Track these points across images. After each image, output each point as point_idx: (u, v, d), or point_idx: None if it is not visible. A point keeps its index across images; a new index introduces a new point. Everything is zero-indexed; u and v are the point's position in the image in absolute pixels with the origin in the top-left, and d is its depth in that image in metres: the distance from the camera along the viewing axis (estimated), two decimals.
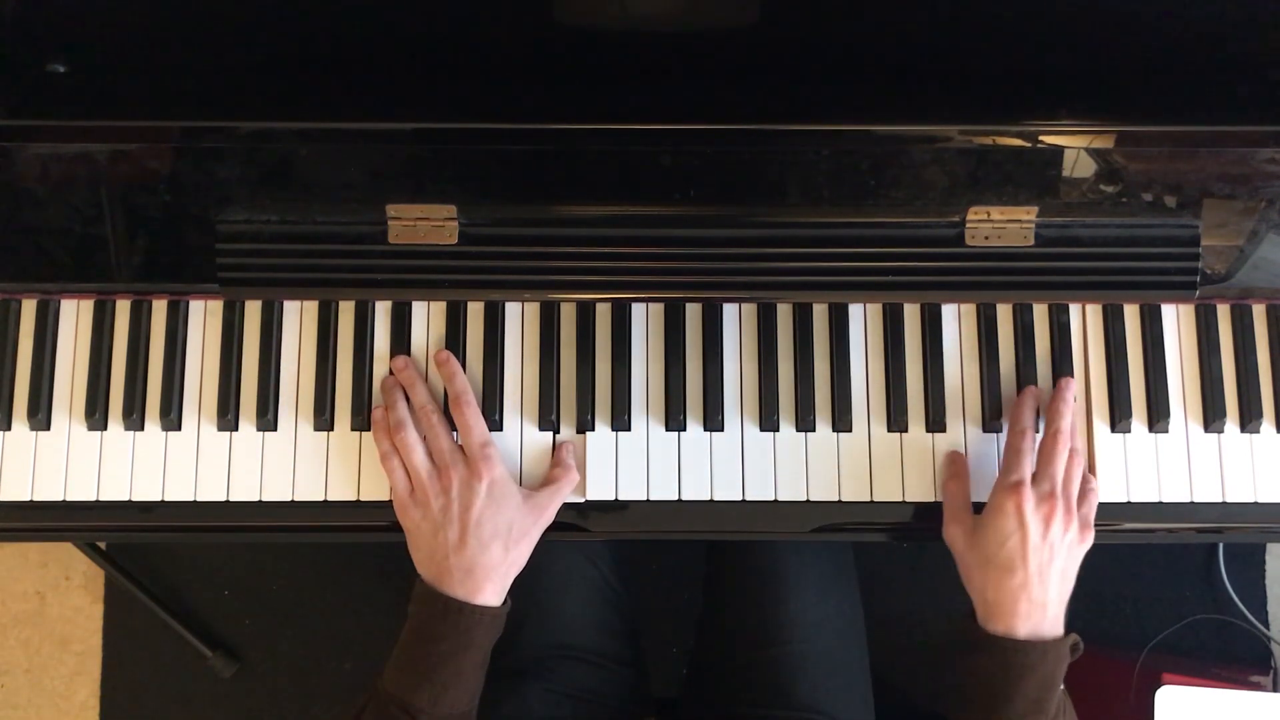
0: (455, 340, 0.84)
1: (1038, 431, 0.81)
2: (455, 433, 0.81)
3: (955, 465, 0.82)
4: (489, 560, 0.76)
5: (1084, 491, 0.79)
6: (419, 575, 0.78)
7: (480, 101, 0.80)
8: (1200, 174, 0.79)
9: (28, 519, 0.83)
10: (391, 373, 0.83)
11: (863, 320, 0.85)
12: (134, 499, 0.83)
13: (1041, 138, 0.79)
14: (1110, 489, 0.83)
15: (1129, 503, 0.83)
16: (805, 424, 0.83)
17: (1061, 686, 0.75)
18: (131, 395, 0.84)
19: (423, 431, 0.80)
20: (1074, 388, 0.83)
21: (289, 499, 0.83)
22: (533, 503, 0.79)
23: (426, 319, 0.85)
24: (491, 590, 0.76)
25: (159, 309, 0.85)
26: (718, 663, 0.96)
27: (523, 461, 0.84)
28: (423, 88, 0.81)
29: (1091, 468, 0.84)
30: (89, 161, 0.79)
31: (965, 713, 0.75)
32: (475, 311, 0.85)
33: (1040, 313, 0.85)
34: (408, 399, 0.82)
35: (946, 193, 0.79)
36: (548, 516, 0.80)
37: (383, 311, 0.85)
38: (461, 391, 0.81)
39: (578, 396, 0.84)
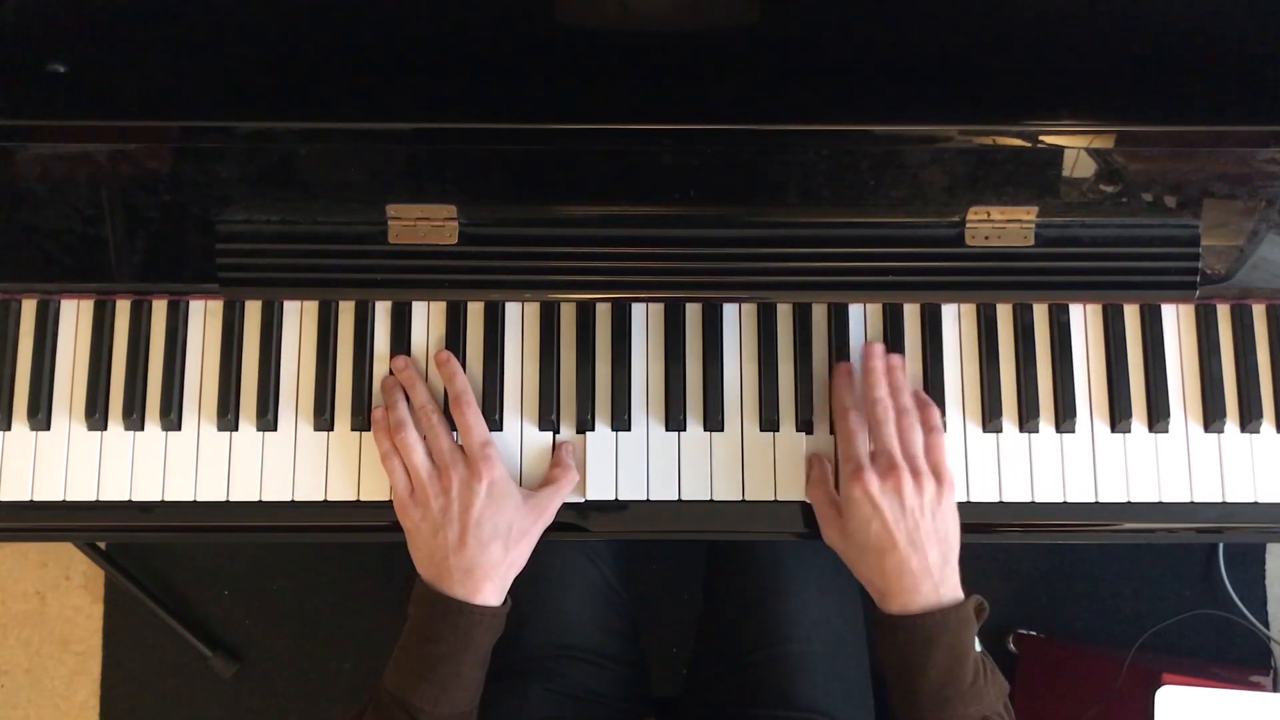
0: (455, 340, 0.84)
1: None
2: (456, 433, 0.81)
3: (814, 470, 0.82)
4: (489, 560, 0.76)
5: (929, 440, 0.78)
6: (419, 575, 0.78)
7: (480, 101, 0.80)
8: (1200, 174, 0.79)
9: (28, 519, 0.83)
10: (392, 373, 0.83)
11: (863, 320, 0.85)
12: (134, 499, 0.83)
13: (1041, 138, 0.79)
14: (1110, 489, 0.83)
15: (1129, 503, 0.83)
16: (805, 424, 0.83)
17: (979, 649, 0.75)
18: (131, 395, 0.84)
19: (423, 431, 0.80)
20: (881, 351, 0.80)
21: (289, 499, 0.83)
22: (532, 503, 0.79)
23: (426, 319, 0.85)
24: (491, 590, 0.76)
25: (159, 309, 0.85)
26: (718, 663, 0.96)
27: (523, 461, 0.84)
28: (423, 88, 0.81)
29: (1093, 468, 0.84)
30: (89, 161, 0.79)
31: (893, 697, 0.75)
32: (475, 311, 0.85)
33: (1040, 313, 0.85)
34: (408, 399, 0.82)
35: (946, 193, 0.79)
36: (548, 516, 0.80)
37: (383, 311, 0.85)
38: (461, 391, 0.81)
39: (578, 396, 0.84)
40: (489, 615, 0.76)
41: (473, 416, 0.80)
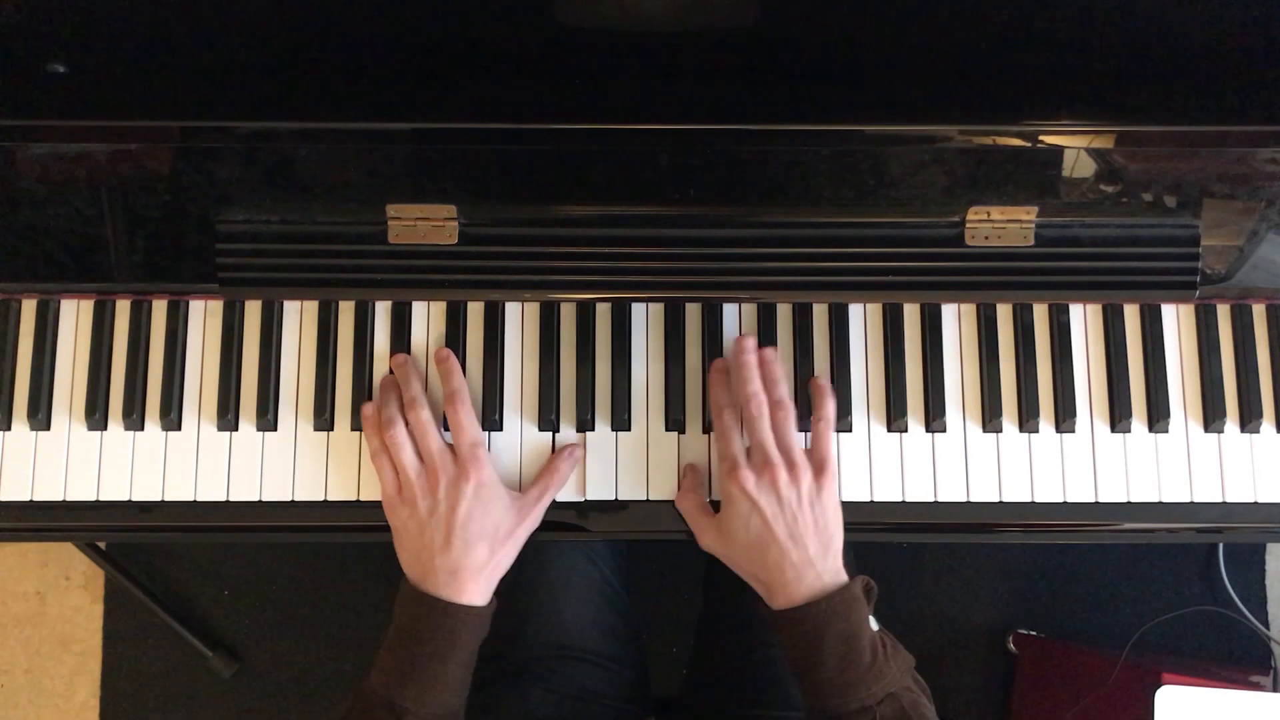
0: (455, 340, 0.84)
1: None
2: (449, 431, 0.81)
3: (687, 478, 0.82)
4: (474, 561, 0.76)
5: (816, 430, 0.79)
6: (404, 576, 0.78)
7: (480, 101, 0.80)
8: (1200, 174, 0.79)
9: (28, 519, 0.83)
10: (391, 371, 0.83)
11: (863, 320, 0.85)
12: (134, 499, 0.83)
13: (1041, 138, 0.79)
14: (1110, 489, 0.83)
15: (1129, 503, 0.83)
16: (805, 424, 0.83)
17: (876, 628, 0.74)
18: (131, 395, 0.84)
19: (412, 430, 0.80)
20: (751, 345, 0.79)
21: (289, 499, 0.83)
22: (520, 504, 0.79)
23: (426, 319, 0.85)
24: (476, 590, 0.76)
25: (159, 309, 0.85)
26: (718, 663, 0.96)
27: (523, 461, 0.84)
28: (423, 87, 0.81)
29: (1093, 468, 0.84)
30: (89, 161, 0.79)
31: (800, 690, 0.75)
32: (475, 311, 0.85)
33: (1040, 313, 0.85)
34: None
35: (946, 193, 0.79)
36: (534, 518, 0.80)
37: (383, 311, 0.85)
38: (457, 390, 0.81)
39: (578, 396, 0.84)
40: (474, 615, 0.75)
41: (465, 416, 0.79)
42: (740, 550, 0.76)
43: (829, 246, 0.80)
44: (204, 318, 0.85)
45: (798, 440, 0.77)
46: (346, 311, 0.85)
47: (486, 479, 0.78)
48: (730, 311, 0.85)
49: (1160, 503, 0.83)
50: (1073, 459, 0.84)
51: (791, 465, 0.76)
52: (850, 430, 0.84)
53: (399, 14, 0.79)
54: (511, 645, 0.91)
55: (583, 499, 0.83)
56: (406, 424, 0.79)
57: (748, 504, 0.75)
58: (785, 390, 0.79)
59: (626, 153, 0.79)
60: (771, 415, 0.77)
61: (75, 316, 0.85)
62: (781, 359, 0.84)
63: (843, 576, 0.75)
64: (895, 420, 0.84)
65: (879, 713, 0.71)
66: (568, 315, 0.85)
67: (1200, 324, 0.85)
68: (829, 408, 0.80)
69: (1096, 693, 1.26)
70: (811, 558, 0.74)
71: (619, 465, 0.83)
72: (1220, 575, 1.47)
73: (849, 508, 0.83)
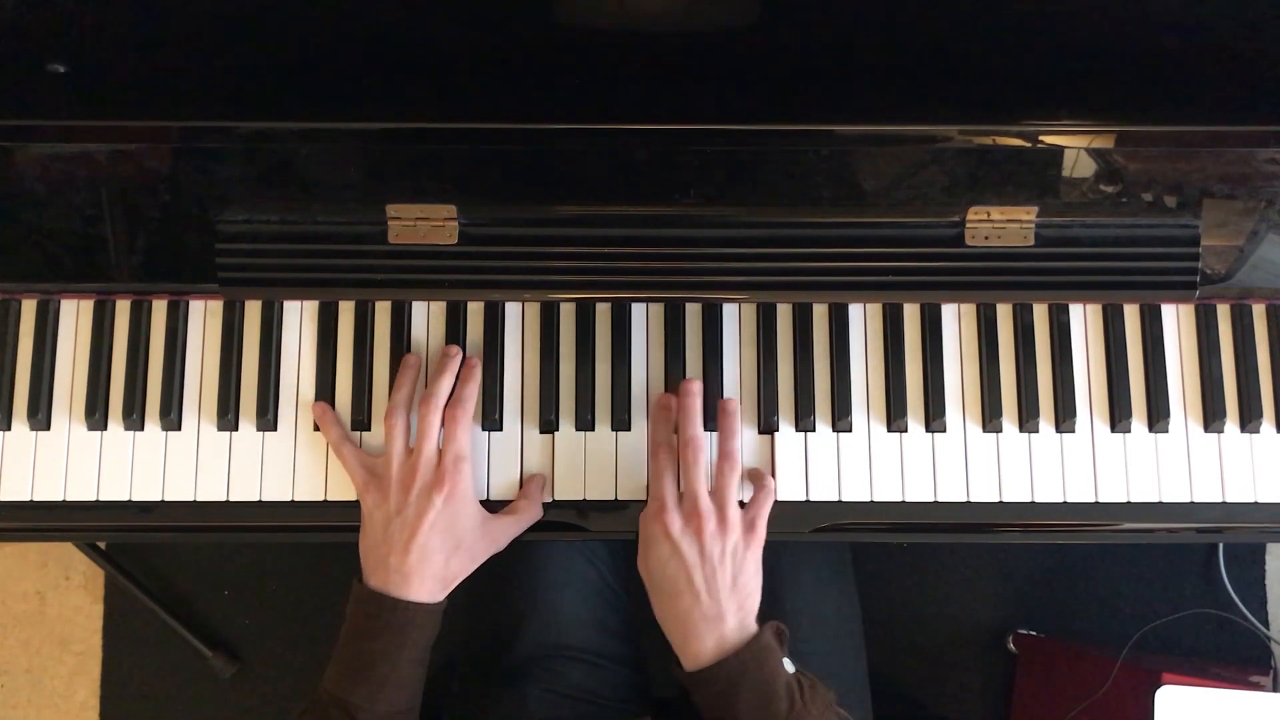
0: (455, 340, 0.84)
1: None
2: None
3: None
4: (428, 569, 0.76)
5: (757, 494, 0.78)
6: (356, 578, 0.78)
7: (480, 101, 0.80)
8: (1200, 174, 0.79)
9: (28, 519, 0.83)
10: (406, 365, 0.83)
11: (863, 320, 0.85)
12: (134, 499, 0.83)
13: (1041, 138, 0.79)
14: (1110, 489, 0.83)
15: (1129, 503, 0.83)
16: (805, 424, 0.83)
17: (791, 671, 0.73)
18: (131, 395, 0.84)
19: (420, 423, 0.79)
20: (697, 389, 0.79)
21: (289, 499, 0.83)
22: (488, 527, 0.79)
23: (426, 319, 0.85)
24: (425, 591, 0.76)
25: (159, 309, 0.85)
26: None
27: (523, 462, 0.84)
28: (423, 87, 0.81)
29: (1093, 468, 0.84)
30: (89, 161, 0.79)
31: None
32: (475, 311, 0.85)
33: (1040, 313, 0.85)
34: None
35: (946, 193, 0.79)
36: (499, 544, 0.80)
37: (383, 311, 0.85)
38: (464, 399, 0.80)
39: (577, 396, 0.84)
40: (423, 612, 0.75)
41: (461, 428, 0.79)
42: (655, 590, 0.76)
43: (829, 246, 0.80)
44: (204, 318, 0.85)
45: (735, 497, 0.76)
46: (346, 311, 0.85)
47: (460, 494, 0.77)
48: (730, 311, 0.85)
49: (1160, 503, 0.83)
50: (1073, 459, 0.84)
51: (723, 519, 0.75)
52: (850, 430, 0.84)
53: (399, 14, 0.79)
54: (509, 645, 0.91)
55: (582, 499, 0.83)
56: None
57: (669, 547, 0.74)
58: (738, 445, 0.78)
59: (627, 153, 0.79)
60: (717, 465, 0.77)
61: (75, 316, 0.85)
62: (781, 360, 0.84)
63: (751, 629, 0.74)
64: (895, 420, 0.84)
65: None
66: (568, 315, 0.85)
67: (1200, 324, 0.85)
68: (770, 480, 0.80)
69: (1096, 693, 1.26)
70: (724, 613, 0.73)
71: (618, 465, 0.83)
72: (1220, 575, 1.47)
73: (850, 507, 0.83)
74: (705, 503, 0.75)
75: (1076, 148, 0.79)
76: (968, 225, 0.80)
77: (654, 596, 0.76)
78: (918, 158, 0.79)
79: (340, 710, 0.73)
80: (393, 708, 0.74)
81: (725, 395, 0.84)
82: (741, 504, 0.77)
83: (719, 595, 0.73)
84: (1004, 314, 0.85)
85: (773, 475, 0.83)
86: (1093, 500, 0.83)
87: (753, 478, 0.82)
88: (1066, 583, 1.52)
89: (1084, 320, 0.85)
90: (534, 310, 0.85)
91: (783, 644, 0.75)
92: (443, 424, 0.79)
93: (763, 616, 0.77)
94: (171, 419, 0.83)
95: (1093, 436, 0.84)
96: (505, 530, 0.80)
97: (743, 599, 0.74)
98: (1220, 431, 0.84)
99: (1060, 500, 0.83)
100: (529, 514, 0.81)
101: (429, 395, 0.80)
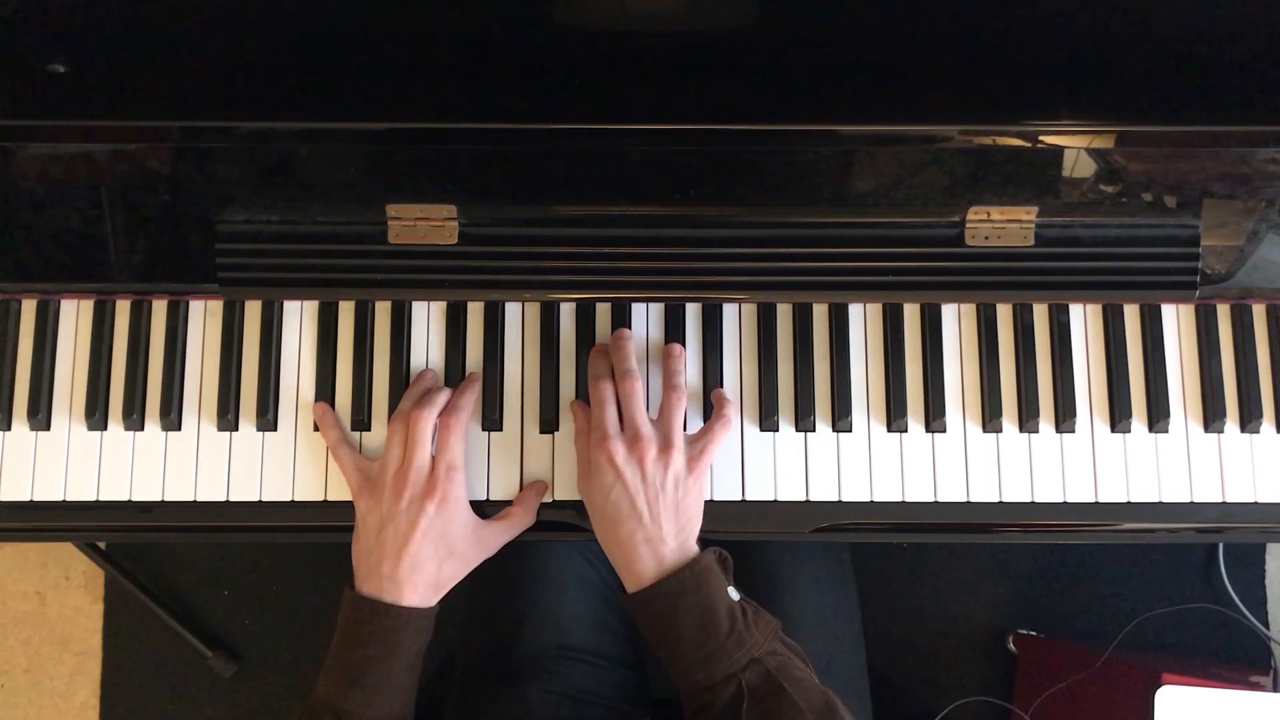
0: (455, 340, 0.84)
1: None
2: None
3: (579, 419, 0.81)
4: (420, 577, 0.76)
5: (712, 424, 0.79)
6: (348, 583, 0.78)
7: (480, 101, 0.80)
8: (1200, 174, 0.79)
9: (28, 519, 0.83)
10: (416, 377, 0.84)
11: (863, 320, 0.85)
12: (134, 499, 0.83)
13: (1041, 138, 0.79)
14: (1110, 489, 0.83)
15: (1129, 503, 0.83)
16: (805, 424, 0.83)
17: (736, 597, 0.74)
18: (131, 395, 0.84)
19: (410, 431, 0.79)
20: (629, 335, 0.82)
21: (289, 499, 0.83)
22: (480, 534, 0.79)
23: (426, 319, 0.85)
24: (417, 596, 0.76)
25: (159, 309, 0.85)
26: None
27: (523, 462, 0.84)
28: (423, 87, 0.81)
29: (1093, 468, 0.83)
30: (89, 161, 0.79)
31: (667, 670, 0.75)
32: (475, 311, 0.85)
33: (1040, 313, 0.85)
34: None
35: (946, 193, 0.79)
36: (491, 549, 0.81)
37: (383, 311, 0.85)
38: (458, 409, 0.80)
39: (578, 397, 0.84)
40: (416, 616, 0.75)
41: (455, 436, 0.79)
42: (597, 514, 0.77)
43: (829, 246, 0.80)
44: (204, 318, 0.85)
45: (680, 425, 0.78)
46: (346, 311, 0.85)
47: (452, 502, 0.77)
48: (730, 311, 0.85)
49: (1160, 503, 0.83)
50: (1073, 459, 0.84)
51: (666, 446, 0.76)
52: (850, 430, 0.84)
53: (399, 14, 0.79)
54: (509, 645, 0.91)
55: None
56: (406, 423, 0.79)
57: (613, 474, 0.75)
58: (683, 381, 0.81)
59: (627, 153, 0.79)
60: (665, 396, 0.79)
61: (75, 316, 0.85)
62: (781, 360, 0.84)
63: (693, 552, 0.75)
64: (895, 420, 0.84)
65: (744, 679, 0.71)
66: (567, 315, 0.85)
67: (1200, 324, 0.85)
68: (730, 411, 0.80)
69: (1096, 693, 1.26)
70: (664, 536, 0.74)
71: None
72: (1220, 575, 1.47)
73: (850, 508, 0.83)
74: (647, 429, 0.76)
75: (1076, 148, 0.79)
76: (968, 225, 0.80)
77: (596, 521, 0.77)
78: (918, 158, 0.79)
79: (333, 716, 0.73)
80: (384, 713, 0.74)
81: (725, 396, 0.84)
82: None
83: (660, 519, 0.74)
84: (1004, 314, 0.85)
85: (773, 476, 0.83)
86: (1093, 500, 0.83)
87: (715, 400, 0.82)
88: (1066, 582, 1.52)
89: (1084, 320, 0.85)
90: (534, 310, 0.85)
91: (726, 570, 0.76)
92: (436, 431, 0.79)
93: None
94: (171, 419, 0.83)
95: (1093, 436, 0.84)
96: (497, 536, 0.81)
97: (683, 523, 0.75)
98: (1220, 431, 0.84)
99: (1060, 500, 0.83)
100: (522, 520, 0.82)
101: (424, 402, 0.80)
